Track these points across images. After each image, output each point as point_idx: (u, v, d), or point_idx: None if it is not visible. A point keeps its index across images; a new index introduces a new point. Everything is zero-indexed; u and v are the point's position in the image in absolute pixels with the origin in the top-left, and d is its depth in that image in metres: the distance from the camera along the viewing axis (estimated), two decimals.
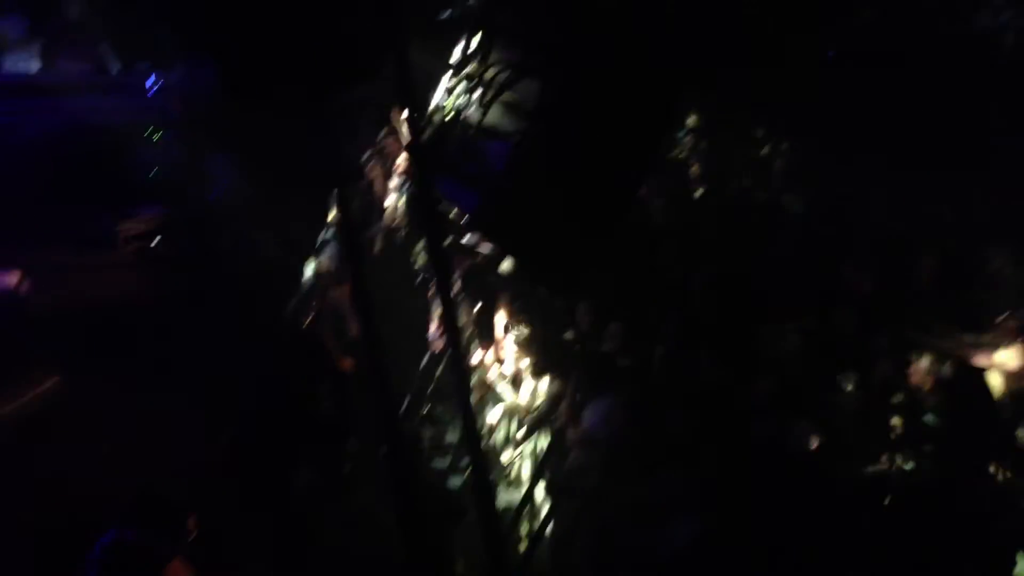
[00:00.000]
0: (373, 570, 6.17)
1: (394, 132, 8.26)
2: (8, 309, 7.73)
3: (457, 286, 7.44)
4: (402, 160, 7.95)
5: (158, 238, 9.13)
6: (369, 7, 3.93)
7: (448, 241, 6.71)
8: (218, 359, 7.38)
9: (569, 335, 7.12)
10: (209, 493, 6.14)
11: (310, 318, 7.62)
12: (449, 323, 5.12)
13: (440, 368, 7.73)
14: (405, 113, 4.72)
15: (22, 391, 7.02)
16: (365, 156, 8.52)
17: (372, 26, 3.95)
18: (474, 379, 7.41)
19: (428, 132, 4.99)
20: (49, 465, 6.55)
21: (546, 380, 7.05)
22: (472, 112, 4.84)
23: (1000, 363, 6.19)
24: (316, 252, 8.41)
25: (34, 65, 9.45)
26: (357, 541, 6.51)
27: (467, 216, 5.01)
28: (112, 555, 4.48)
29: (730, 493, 5.55)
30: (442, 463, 7.54)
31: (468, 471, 6.88)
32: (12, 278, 7.89)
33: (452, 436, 7.75)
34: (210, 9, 3.67)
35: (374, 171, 8.47)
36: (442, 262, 4.95)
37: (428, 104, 5.27)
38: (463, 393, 5.03)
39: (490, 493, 5.65)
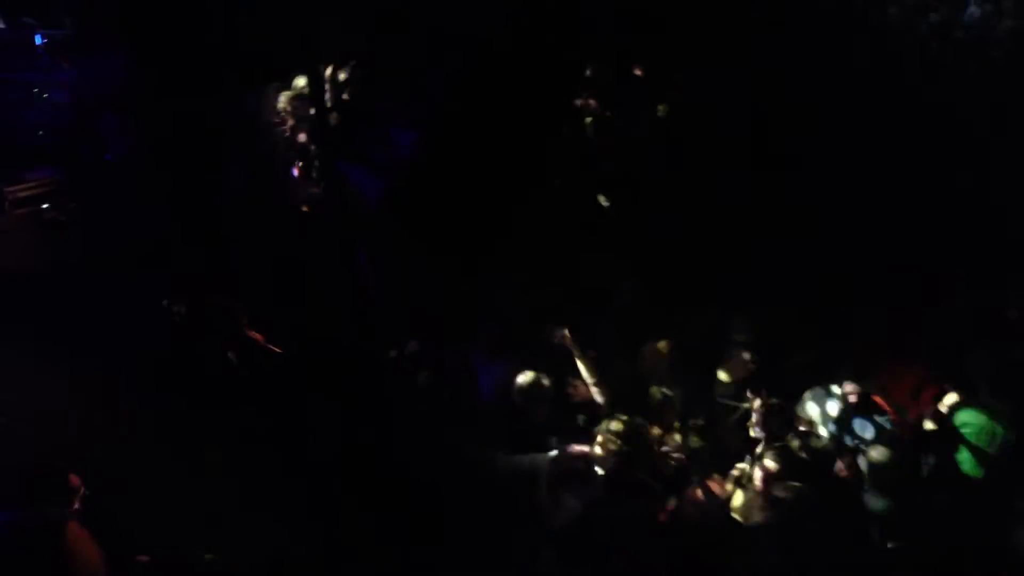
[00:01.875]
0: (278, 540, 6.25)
1: (297, 99, 8.19)
2: None
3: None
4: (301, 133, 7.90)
5: (49, 202, 8.83)
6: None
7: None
8: (116, 327, 7.29)
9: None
10: (109, 462, 6.17)
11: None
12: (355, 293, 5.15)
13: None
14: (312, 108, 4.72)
15: None
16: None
17: (283, 20, 3.97)
18: None
19: (334, 118, 5.02)
20: None
21: None
22: (379, 99, 4.90)
23: None
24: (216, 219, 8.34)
25: None
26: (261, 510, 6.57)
27: (372, 202, 5.10)
28: (12, 535, 4.54)
29: None
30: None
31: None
32: None
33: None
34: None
35: (275, 140, 8.38)
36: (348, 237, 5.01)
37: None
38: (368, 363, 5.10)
39: (389, 460, 5.80)
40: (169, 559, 5.71)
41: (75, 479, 4.78)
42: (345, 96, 5.08)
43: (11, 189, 8.66)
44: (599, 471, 5.76)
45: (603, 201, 7.97)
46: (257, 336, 7.18)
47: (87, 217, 8.77)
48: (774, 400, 6.68)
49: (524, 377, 6.38)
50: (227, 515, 6.16)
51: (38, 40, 8.84)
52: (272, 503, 6.13)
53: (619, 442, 5.76)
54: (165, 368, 6.95)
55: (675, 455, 6.21)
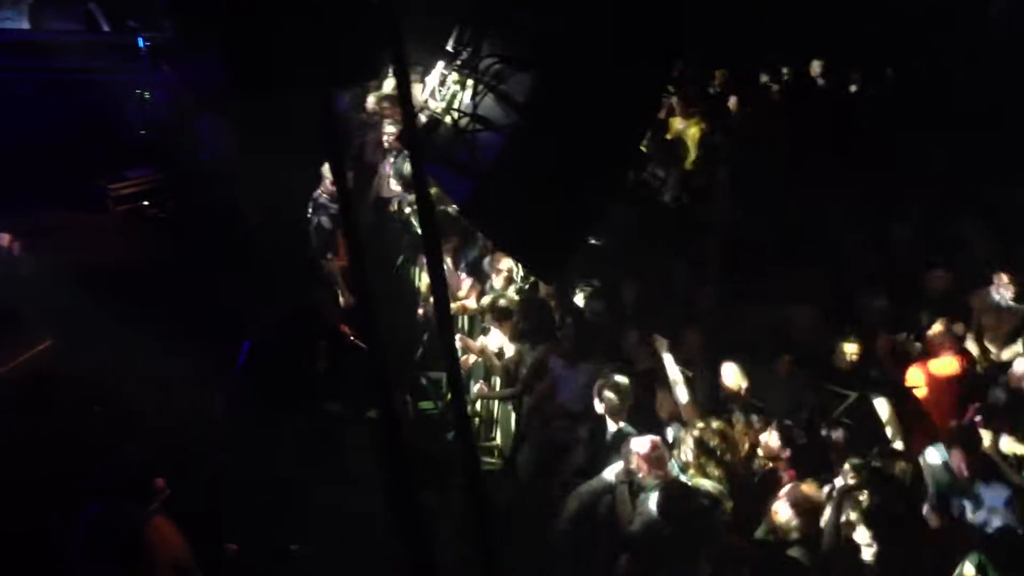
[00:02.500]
0: (361, 532, 6.35)
1: (387, 99, 8.32)
2: None
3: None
4: (393, 131, 8.03)
5: (149, 200, 9.14)
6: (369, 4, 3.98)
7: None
8: (212, 321, 7.50)
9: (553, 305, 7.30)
10: (201, 454, 6.36)
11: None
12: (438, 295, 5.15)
13: (428, 336, 7.90)
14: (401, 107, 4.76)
15: (14, 354, 7.11)
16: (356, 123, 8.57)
17: (373, 23, 4.01)
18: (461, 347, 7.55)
19: (421, 119, 5.07)
20: (41, 428, 6.71)
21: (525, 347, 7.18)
22: (465, 102, 4.94)
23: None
24: (309, 216, 8.51)
25: (23, 23, 9.38)
26: (346, 503, 6.68)
27: (458, 204, 5.14)
28: (96, 529, 4.71)
29: None
30: (430, 428, 7.70)
31: (453, 437, 7.06)
32: (2, 240, 7.95)
33: (440, 402, 7.92)
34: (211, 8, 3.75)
35: (365, 139, 8.54)
36: (434, 237, 5.00)
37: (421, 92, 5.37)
38: (450, 362, 5.13)
39: (475, 460, 5.80)
40: (256, 548, 5.85)
41: (160, 481, 4.92)
42: (433, 97, 5.13)
43: (114, 187, 9.03)
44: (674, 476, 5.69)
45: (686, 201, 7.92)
46: (346, 330, 7.30)
47: (186, 214, 9.07)
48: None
49: (604, 382, 6.30)
50: (313, 506, 6.28)
51: (140, 43, 9.17)
52: (359, 497, 6.22)
53: (697, 451, 5.67)
54: (262, 361, 7.12)
55: (763, 462, 6.04)
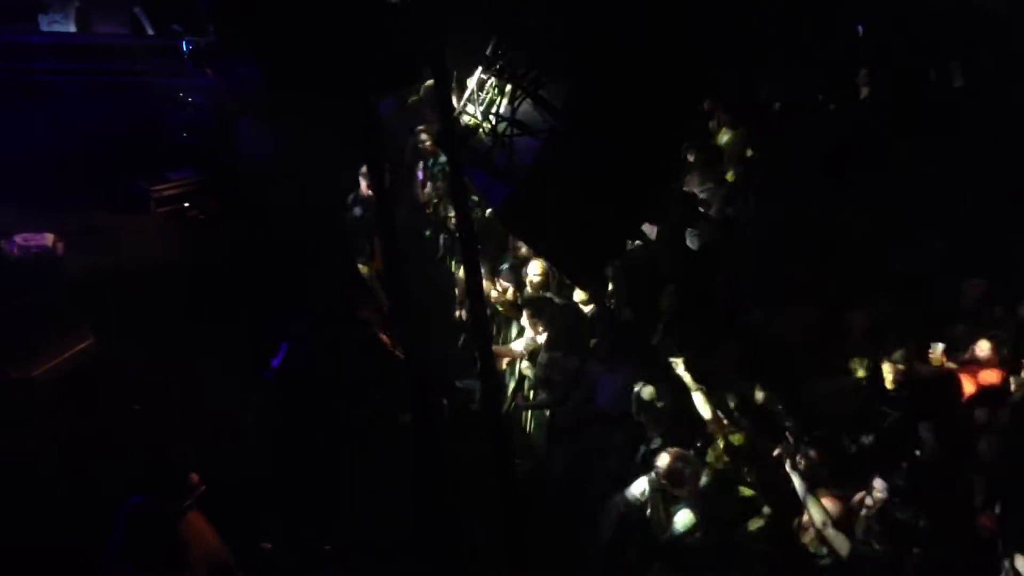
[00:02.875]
0: (392, 537, 6.37)
1: (424, 104, 8.35)
2: (43, 271, 7.94)
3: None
4: (430, 136, 8.05)
5: (190, 201, 9.26)
6: (409, 10, 4.02)
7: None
8: (249, 321, 7.58)
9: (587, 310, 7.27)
10: (236, 454, 6.42)
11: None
12: (474, 298, 5.15)
13: (462, 340, 7.91)
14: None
15: (57, 352, 7.23)
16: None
17: (412, 30, 4.04)
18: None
19: (459, 123, 5.08)
20: (82, 425, 6.83)
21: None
22: (503, 106, 4.93)
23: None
24: (345, 218, 8.56)
25: (69, 26, 9.54)
26: (377, 508, 6.71)
27: (494, 208, 5.14)
28: (132, 524, 4.76)
29: None
30: (465, 431, 7.68)
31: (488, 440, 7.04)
32: (47, 240, 8.09)
33: (473, 406, 7.90)
34: (255, 12, 3.80)
35: (405, 141, 8.57)
36: (470, 240, 5.00)
37: (460, 96, 5.37)
38: (486, 365, 5.14)
39: (509, 464, 5.80)
40: (290, 548, 5.89)
41: (195, 477, 4.96)
42: (471, 102, 5.14)
43: (156, 188, 9.17)
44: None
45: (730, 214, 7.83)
46: (385, 338, 7.33)
47: (226, 216, 9.19)
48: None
49: (636, 393, 6.27)
50: (347, 507, 6.31)
51: (184, 47, 9.32)
52: (392, 499, 6.23)
53: (726, 459, 5.64)
54: (298, 362, 7.16)
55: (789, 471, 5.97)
